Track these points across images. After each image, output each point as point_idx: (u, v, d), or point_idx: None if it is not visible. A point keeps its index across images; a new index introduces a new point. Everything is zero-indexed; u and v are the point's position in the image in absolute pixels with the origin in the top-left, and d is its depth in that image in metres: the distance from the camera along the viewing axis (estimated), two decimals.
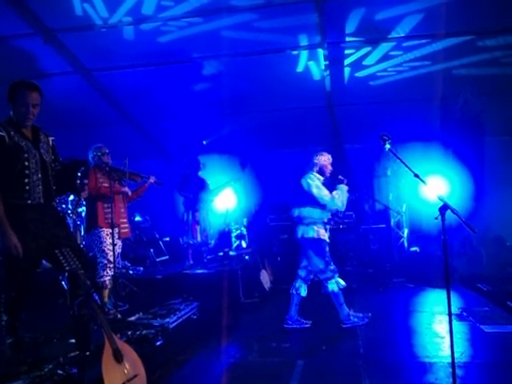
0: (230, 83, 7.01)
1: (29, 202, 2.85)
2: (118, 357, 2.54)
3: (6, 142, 2.79)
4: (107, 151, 4.90)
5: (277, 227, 7.79)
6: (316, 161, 4.74)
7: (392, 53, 6.26)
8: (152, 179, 5.24)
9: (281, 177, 7.95)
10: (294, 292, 4.69)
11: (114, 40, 5.96)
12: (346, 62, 6.49)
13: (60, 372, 2.87)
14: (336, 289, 4.46)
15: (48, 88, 6.35)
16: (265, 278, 6.37)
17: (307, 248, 4.60)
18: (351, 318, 4.52)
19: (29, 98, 2.88)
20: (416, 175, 3.08)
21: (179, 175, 7.53)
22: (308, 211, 4.56)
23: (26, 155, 2.86)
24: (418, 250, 7.84)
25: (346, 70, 6.71)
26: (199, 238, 7.29)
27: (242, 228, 8.46)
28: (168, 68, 6.68)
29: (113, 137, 6.69)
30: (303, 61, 6.50)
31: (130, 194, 5.10)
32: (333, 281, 4.49)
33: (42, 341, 3.51)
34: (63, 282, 5.33)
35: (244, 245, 8.31)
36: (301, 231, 4.59)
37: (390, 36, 5.87)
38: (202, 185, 7.35)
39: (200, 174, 7.39)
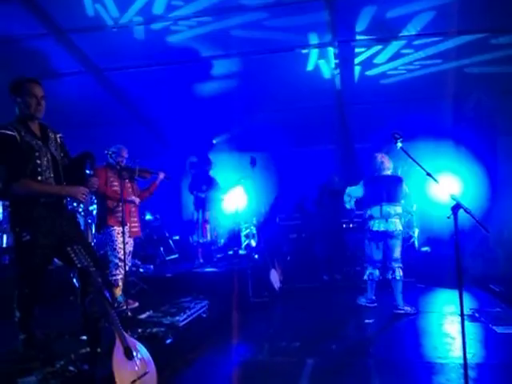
0: (239, 82, 7.02)
1: (42, 200, 2.88)
2: (129, 354, 2.55)
3: (18, 141, 2.81)
4: (124, 152, 4.90)
5: (286, 226, 7.79)
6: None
7: (403, 51, 6.21)
8: (162, 175, 5.25)
9: (290, 175, 7.94)
10: (397, 276, 5.04)
11: (124, 40, 5.99)
12: (357, 60, 6.46)
13: (72, 368, 2.91)
14: (400, 276, 5.01)
15: (60, 87, 6.51)
16: (275, 277, 6.36)
17: (398, 239, 5.09)
18: (406, 305, 4.95)
19: (36, 90, 2.91)
20: (429, 174, 3.05)
21: (190, 174, 7.56)
22: (401, 207, 5.18)
23: (37, 154, 2.88)
24: (429, 250, 7.75)
25: (357, 69, 6.67)
26: (209, 237, 7.31)
27: (252, 227, 8.47)
28: (177, 67, 6.70)
29: (123, 135, 6.70)
30: (313, 59, 6.48)
31: (137, 203, 5.10)
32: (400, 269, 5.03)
33: (54, 337, 3.55)
34: (74, 280, 5.38)
35: (253, 244, 8.31)
36: (393, 225, 5.03)
37: (400, 34, 5.82)
38: (212, 184, 7.37)
39: (210, 172, 7.42)
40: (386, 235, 5.07)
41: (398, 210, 5.13)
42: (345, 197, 5.40)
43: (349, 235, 7.35)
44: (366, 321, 4.74)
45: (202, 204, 7.26)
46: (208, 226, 7.31)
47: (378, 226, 5.06)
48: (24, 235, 2.80)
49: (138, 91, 7.19)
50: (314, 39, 6.03)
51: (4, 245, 5.65)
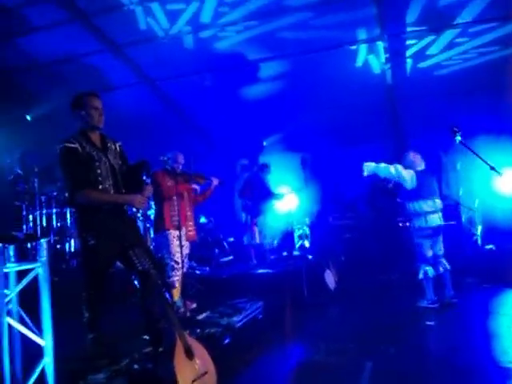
0: (288, 83, 7.02)
1: (104, 206, 3.04)
2: (189, 354, 2.62)
3: (80, 152, 2.99)
4: (180, 158, 5.04)
5: (340, 226, 7.67)
6: None
7: (457, 40, 5.93)
8: (216, 181, 5.33)
9: (342, 174, 7.80)
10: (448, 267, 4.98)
11: (174, 49, 6.21)
12: (408, 53, 6.25)
13: (136, 367, 3.04)
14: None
15: (116, 99, 6.84)
16: (329, 277, 6.28)
17: (442, 233, 5.01)
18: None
19: (96, 103, 3.11)
20: (492, 168, 2.90)
21: (241, 180, 7.61)
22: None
23: (97, 163, 3.05)
24: (493, 247, 7.31)
25: (408, 62, 6.46)
26: (258, 240, 7.34)
27: (305, 227, 8.41)
28: (226, 72, 6.83)
29: (176, 142, 6.96)
30: (362, 55, 6.36)
31: (197, 189, 5.21)
32: None
33: (118, 337, 3.71)
34: (135, 282, 5.61)
35: (307, 244, 8.25)
36: (439, 219, 4.94)
37: (454, 22, 5.56)
38: (264, 193, 7.29)
39: (264, 179, 7.34)
40: (439, 230, 4.96)
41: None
42: (391, 169, 4.88)
43: (405, 233, 7.10)
44: (427, 322, 4.55)
45: (250, 210, 7.28)
46: (256, 229, 7.33)
47: (432, 220, 4.89)
48: (89, 240, 2.97)
49: (188, 98, 7.40)
50: (362, 34, 5.92)
51: (72, 249, 6.01)
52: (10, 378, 2.24)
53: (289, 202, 8.31)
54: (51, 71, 6.40)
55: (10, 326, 2.33)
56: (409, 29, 5.79)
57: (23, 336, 2.48)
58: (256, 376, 3.47)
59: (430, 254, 5.00)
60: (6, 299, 2.31)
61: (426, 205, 4.92)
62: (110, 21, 5.57)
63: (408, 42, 6.06)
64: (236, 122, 8.10)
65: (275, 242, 7.98)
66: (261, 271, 6.57)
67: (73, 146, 2.97)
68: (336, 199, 8.04)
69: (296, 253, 7.27)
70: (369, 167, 4.96)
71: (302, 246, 8.19)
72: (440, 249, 5.02)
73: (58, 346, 2.60)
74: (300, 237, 8.37)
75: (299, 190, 7.91)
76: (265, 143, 8.42)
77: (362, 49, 6.21)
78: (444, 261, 4.98)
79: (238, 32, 5.93)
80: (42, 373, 2.49)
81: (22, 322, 2.47)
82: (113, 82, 6.83)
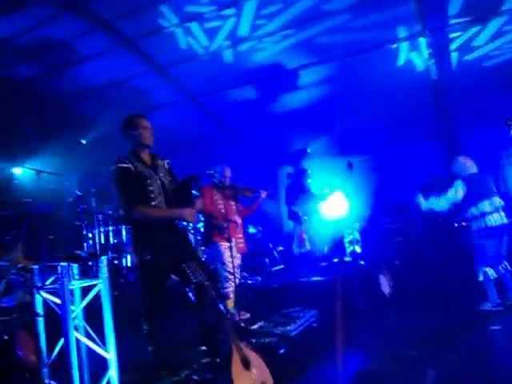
0: (329, 88, 6.98)
1: (157, 222, 3.16)
2: (246, 364, 2.65)
3: (132, 171, 3.14)
4: (227, 172, 5.13)
5: (391, 230, 7.46)
6: None
7: (506, 27, 5.64)
8: (263, 194, 5.34)
9: (392, 176, 7.60)
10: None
11: (214, 65, 6.37)
12: (453, 46, 6.02)
13: (195, 377, 3.11)
14: None
15: (162, 118, 7.10)
16: (384, 282, 6.12)
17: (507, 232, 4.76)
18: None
19: (146, 123, 3.26)
20: None
21: (285, 188, 7.62)
22: None
23: (149, 181, 3.18)
24: None
25: (454, 55, 6.22)
26: (308, 247, 7.27)
27: (355, 233, 8.25)
28: (266, 83, 6.90)
29: (223, 156, 7.09)
30: (404, 53, 6.20)
31: (239, 222, 5.18)
32: None
33: (176, 348, 3.81)
34: (190, 294, 5.73)
35: (358, 250, 8.08)
36: (501, 218, 4.70)
37: (501, 9, 5.31)
38: (306, 198, 7.28)
39: (305, 184, 7.34)
40: (503, 229, 4.69)
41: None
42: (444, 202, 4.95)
43: (462, 235, 6.77)
44: (492, 327, 4.31)
45: (296, 216, 7.26)
46: (305, 236, 7.27)
47: (493, 220, 4.65)
48: (145, 255, 3.09)
49: (229, 111, 7.54)
50: (402, 32, 5.79)
51: (128, 264, 6.26)
52: None
53: (338, 208, 8.20)
54: (102, 96, 6.76)
55: (77, 340, 2.46)
56: (452, 21, 5.59)
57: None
58: None
59: (490, 254, 4.75)
60: (73, 315, 2.45)
61: (483, 206, 4.73)
62: (153, 43, 5.82)
63: (452, 35, 5.85)
64: (278, 130, 8.14)
65: (325, 248, 7.87)
66: (312, 279, 6.51)
67: (126, 165, 3.12)
68: (387, 202, 7.83)
69: (347, 259, 7.14)
70: (424, 204, 5.09)
71: (353, 252, 8.02)
72: (504, 249, 4.76)
73: (120, 358, 2.71)
74: (351, 242, 8.21)
75: (344, 191, 7.79)
76: (309, 150, 8.38)
77: (403, 47, 6.07)
78: (505, 262, 4.72)
79: (275, 42, 5.99)
80: None
81: (88, 336, 2.60)
82: (158, 101, 7.11)
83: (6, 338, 3.16)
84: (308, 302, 5.22)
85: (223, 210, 4.79)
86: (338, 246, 7.93)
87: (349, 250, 8.15)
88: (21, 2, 4.76)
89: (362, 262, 7.04)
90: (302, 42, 5.95)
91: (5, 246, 3.84)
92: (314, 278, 6.51)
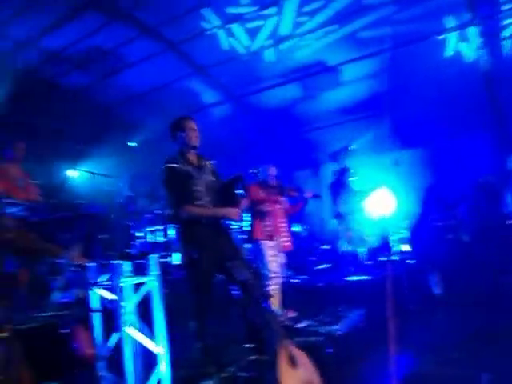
0: (373, 83, 6.82)
1: (203, 221, 3.24)
2: (293, 362, 2.66)
3: (180, 171, 3.23)
4: (272, 171, 5.14)
5: (441, 227, 7.18)
6: None
7: None
8: (309, 194, 5.30)
9: (443, 170, 7.32)
10: None
11: (256, 64, 6.40)
12: (505, 33, 5.71)
13: (242, 374, 3.15)
14: None
15: (206, 119, 7.24)
16: (433, 282, 5.91)
17: None
18: None
19: (193, 124, 3.36)
20: None
21: (329, 185, 7.54)
22: None
23: (195, 181, 3.27)
24: None
25: (506, 43, 5.89)
26: (353, 246, 7.15)
27: (403, 230, 8.01)
28: (309, 80, 6.85)
29: (268, 154, 7.12)
30: (452, 44, 5.95)
31: (284, 220, 5.18)
32: None
33: (223, 346, 3.87)
34: (235, 292, 5.79)
35: (406, 248, 7.85)
36: None
37: None
38: (349, 196, 7.16)
39: (346, 182, 7.22)
40: None
41: None
42: None
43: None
44: None
45: (340, 215, 7.16)
46: (351, 234, 7.15)
47: None
48: (192, 254, 3.17)
49: (273, 110, 7.55)
50: (450, 22, 5.56)
51: (176, 262, 6.42)
52: None
53: (384, 205, 7.99)
54: (148, 99, 6.99)
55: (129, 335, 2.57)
56: (504, 7, 5.30)
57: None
58: None
59: None
60: (125, 310, 2.56)
61: None
62: (196, 46, 5.95)
63: (504, 22, 5.54)
64: (321, 127, 8.05)
65: (372, 247, 7.71)
66: (358, 278, 6.40)
67: (175, 165, 3.23)
68: (437, 198, 7.53)
69: (395, 257, 6.95)
70: None
71: (401, 250, 7.80)
72: None
73: (170, 354, 2.80)
74: (398, 240, 7.99)
75: (391, 188, 7.58)
76: (353, 146, 8.23)
77: (452, 37, 5.82)
78: None
79: (317, 38, 5.93)
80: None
81: (141, 331, 2.71)
82: (202, 103, 7.24)
83: (66, 331, 3.34)
84: (354, 302, 5.14)
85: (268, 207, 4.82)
86: (384, 244, 7.74)
87: (396, 248, 7.94)
88: (72, 15, 5.02)
89: (411, 261, 6.83)
90: (346, 37, 5.86)
91: (63, 245, 4.05)
92: (360, 277, 6.40)
